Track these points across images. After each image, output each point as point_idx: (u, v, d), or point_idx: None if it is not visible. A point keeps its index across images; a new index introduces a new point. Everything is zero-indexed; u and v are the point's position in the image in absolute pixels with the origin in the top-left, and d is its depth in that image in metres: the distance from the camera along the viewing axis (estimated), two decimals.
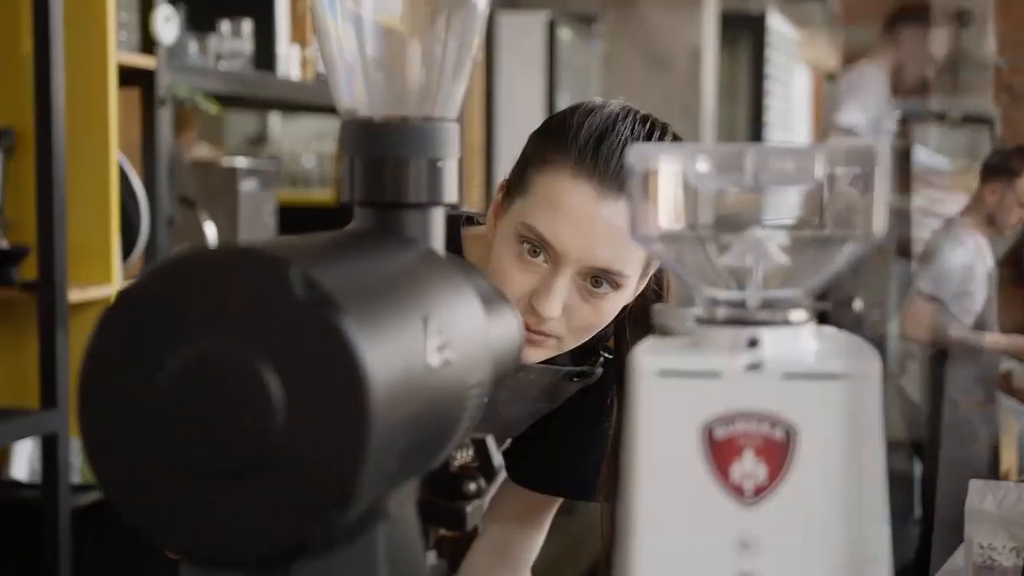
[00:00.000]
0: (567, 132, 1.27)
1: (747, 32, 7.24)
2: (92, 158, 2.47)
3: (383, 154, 0.81)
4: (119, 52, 2.54)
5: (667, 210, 0.72)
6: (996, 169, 4.25)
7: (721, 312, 0.71)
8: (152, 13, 2.62)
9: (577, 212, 1.24)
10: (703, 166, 0.71)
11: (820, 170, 0.69)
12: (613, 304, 1.29)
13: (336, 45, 0.83)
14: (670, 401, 0.69)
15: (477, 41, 0.85)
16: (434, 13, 0.84)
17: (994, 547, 1.91)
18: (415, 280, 0.73)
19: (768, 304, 0.71)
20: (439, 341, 0.70)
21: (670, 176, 0.71)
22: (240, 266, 0.63)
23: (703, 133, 5.65)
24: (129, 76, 2.61)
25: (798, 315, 0.71)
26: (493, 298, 0.88)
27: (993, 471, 4.12)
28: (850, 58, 9.83)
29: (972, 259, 4.24)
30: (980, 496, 1.95)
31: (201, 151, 3.86)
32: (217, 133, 4.38)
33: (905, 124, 4.67)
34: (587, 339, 1.32)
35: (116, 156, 2.49)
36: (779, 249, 0.72)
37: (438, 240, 0.83)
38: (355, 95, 0.83)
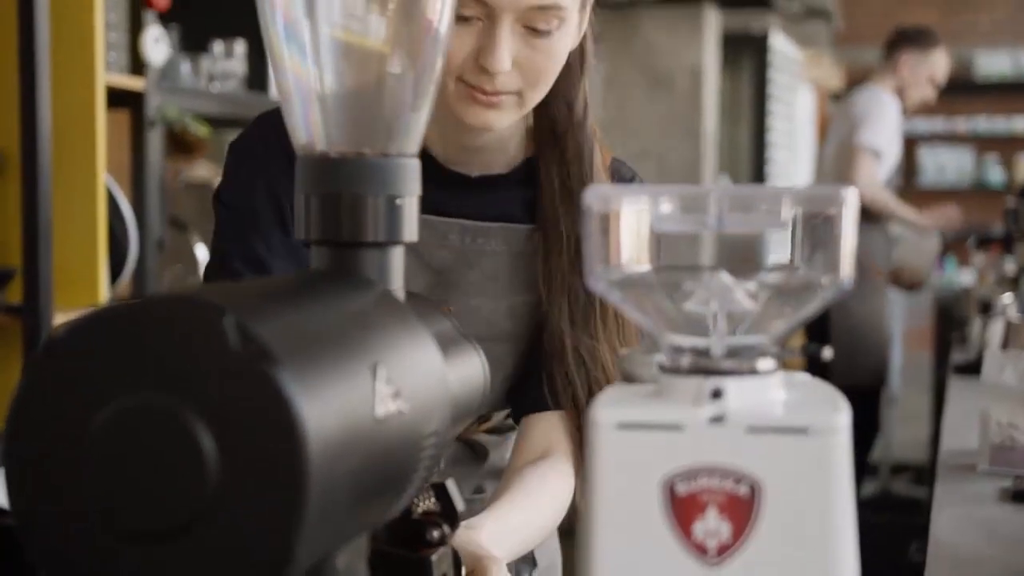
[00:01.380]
0: None
1: (750, 52, 7.22)
2: (79, 180, 2.44)
3: (339, 191, 0.78)
4: (108, 73, 2.51)
5: (627, 253, 0.69)
6: (909, 41, 4.45)
7: (685, 360, 0.68)
8: (142, 34, 2.59)
9: None
10: (666, 208, 0.68)
11: (786, 214, 0.66)
12: (561, 43, 1.25)
13: (292, 77, 0.80)
14: (630, 455, 0.66)
15: (437, 73, 0.83)
16: (392, 45, 0.81)
17: (1015, 424, 1.79)
18: (366, 326, 0.70)
19: (734, 352, 0.68)
20: (390, 390, 0.67)
21: (631, 218, 0.68)
22: (173, 315, 0.59)
23: (704, 153, 5.62)
24: (119, 97, 2.59)
25: (765, 364, 0.68)
26: (454, 339, 0.85)
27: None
28: (853, 78, 9.83)
29: (897, 121, 4.53)
30: (997, 367, 1.82)
31: (201, 171, 3.84)
32: (218, 151, 4.34)
33: None
34: (546, 89, 1.27)
35: (104, 178, 2.46)
36: (746, 294, 0.68)
37: (397, 280, 0.80)
38: (311, 129, 0.80)
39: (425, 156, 1.29)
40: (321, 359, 0.62)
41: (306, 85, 0.79)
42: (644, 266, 0.70)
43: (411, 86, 0.82)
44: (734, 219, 0.68)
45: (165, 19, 2.74)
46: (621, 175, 1.41)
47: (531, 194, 1.35)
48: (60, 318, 2.38)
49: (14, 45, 2.34)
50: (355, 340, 0.67)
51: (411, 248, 1.27)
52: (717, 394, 0.66)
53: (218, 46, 2.98)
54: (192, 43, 2.95)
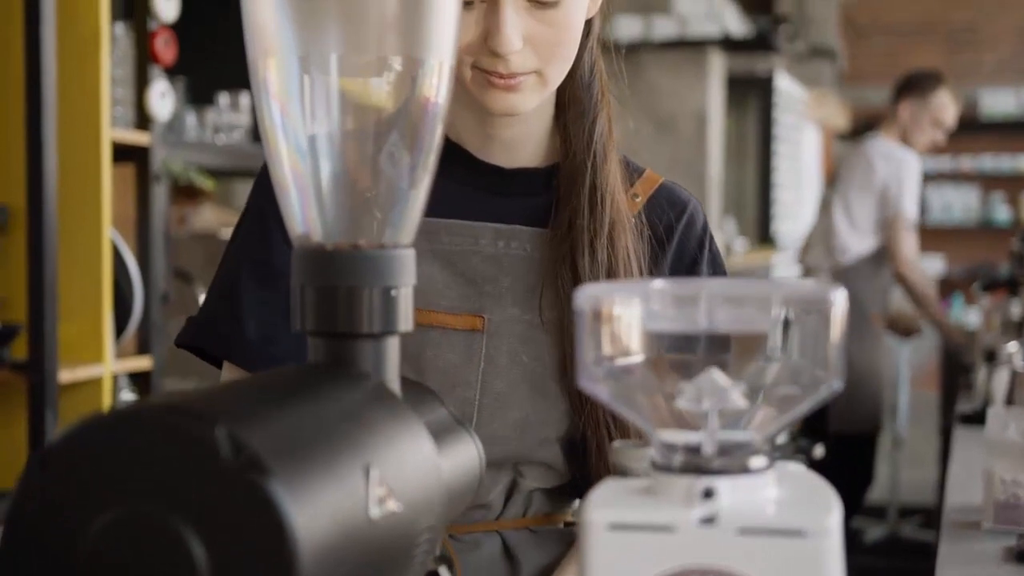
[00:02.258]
0: None
1: (755, 93, 7.24)
2: (85, 236, 2.45)
3: (335, 283, 0.79)
4: (114, 129, 2.53)
5: (619, 351, 0.70)
6: (909, 87, 4.48)
7: (676, 459, 0.68)
8: (148, 89, 2.61)
9: None
10: (656, 307, 0.68)
11: (775, 314, 0.67)
12: (573, 14, 1.18)
13: (288, 169, 0.81)
14: (622, 556, 0.66)
15: (432, 164, 0.83)
16: (389, 131, 0.81)
17: (1019, 482, 1.77)
18: (359, 424, 0.70)
19: (726, 449, 0.68)
20: (383, 491, 0.68)
21: (621, 316, 0.69)
22: (166, 425, 0.60)
23: (710, 195, 5.63)
24: (124, 152, 2.60)
25: (757, 462, 0.68)
26: (448, 426, 0.85)
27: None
28: (859, 117, 9.86)
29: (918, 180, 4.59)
30: (1001, 424, 1.80)
31: (207, 214, 3.86)
32: (225, 195, 4.36)
33: None
34: (567, 65, 1.20)
35: (109, 233, 2.48)
36: (738, 393, 0.69)
37: (392, 370, 0.80)
38: (308, 221, 0.81)
39: (458, 150, 1.30)
40: (313, 465, 0.62)
41: (302, 177, 0.80)
42: (636, 363, 0.70)
43: (407, 170, 0.83)
44: (724, 317, 0.68)
45: (171, 72, 2.76)
46: (673, 198, 1.33)
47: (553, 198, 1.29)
48: (65, 374, 2.39)
49: (21, 100, 2.35)
50: (348, 441, 0.67)
51: (444, 258, 1.26)
52: (709, 494, 0.66)
53: (224, 98, 3.00)
54: (198, 95, 2.97)
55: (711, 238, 1.33)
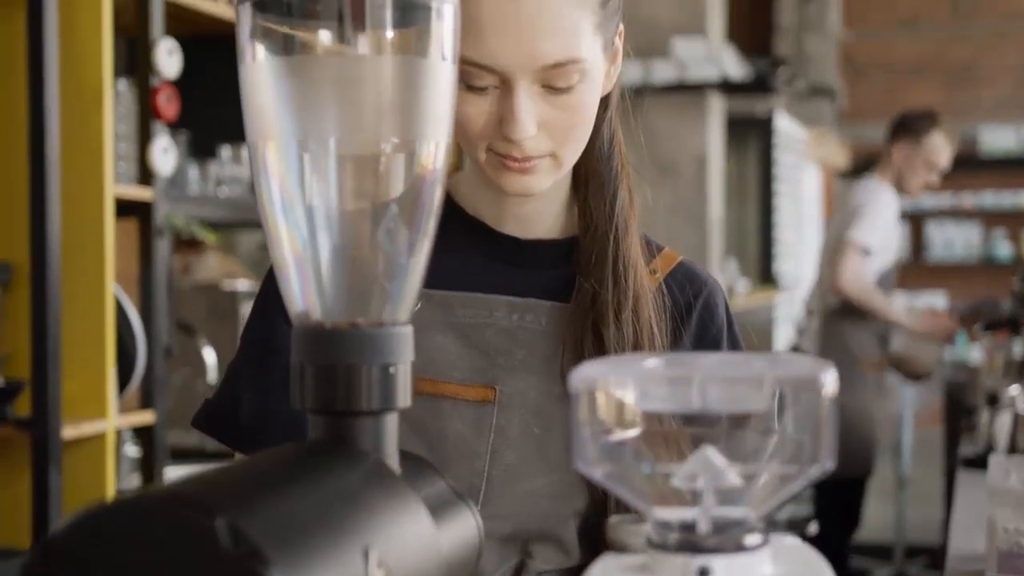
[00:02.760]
0: None
1: (755, 133, 7.28)
2: (88, 291, 2.47)
3: (334, 361, 0.80)
4: (117, 185, 2.55)
5: (613, 430, 0.70)
6: (902, 129, 4.49)
7: (671, 537, 0.69)
8: (150, 145, 2.63)
9: (497, 20, 1.11)
10: (650, 387, 0.69)
11: (767, 397, 0.68)
12: (587, 96, 1.16)
13: (288, 248, 0.82)
14: None
15: (429, 240, 0.84)
16: (385, 217, 0.83)
17: (1021, 531, 1.76)
18: (357, 506, 0.71)
19: (721, 527, 0.69)
20: (381, 573, 0.68)
21: (616, 396, 0.70)
22: (165, 515, 0.61)
23: (711, 237, 5.65)
24: (127, 207, 2.62)
25: (752, 539, 0.69)
26: (448, 499, 0.86)
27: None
28: (859, 155, 9.90)
29: (894, 218, 4.54)
30: (1003, 472, 1.79)
31: (213, 263, 3.87)
32: (229, 245, 4.39)
33: None
34: (582, 145, 1.19)
35: (112, 289, 2.49)
36: (733, 471, 0.70)
37: (391, 446, 0.81)
38: (307, 299, 0.82)
39: (475, 223, 1.30)
40: (312, 551, 0.63)
41: (301, 256, 0.81)
42: (630, 442, 0.71)
43: (405, 247, 0.84)
44: (717, 396, 0.69)
45: (173, 126, 2.78)
46: (692, 277, 1.31)
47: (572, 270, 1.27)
48: (69, 430, 2.39)
49: (25, 157, 2.37)
50: (346, 524, 0.68)
51: (458, 330, 1.26)
52: (704, 573, 0.67)
53: (226, 151, 3.02)
54: (200, 149, 2.99)
55: (731, 321, 1.31)
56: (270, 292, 1.27)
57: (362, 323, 0.81)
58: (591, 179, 1.27)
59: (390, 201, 0.82)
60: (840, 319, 4.49)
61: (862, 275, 4.37)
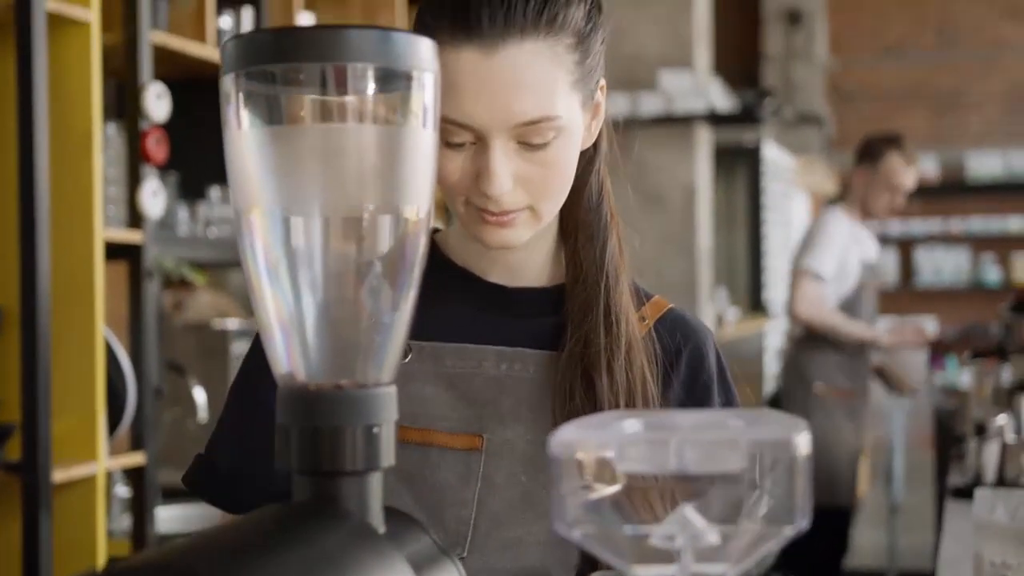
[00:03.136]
0: (432, 3, 1.17)
1: (743, 162, 7.32)
2: (78, 335, 2.48)
3: (319, 423, 0.81)
4: (106, 228, 2.56)
5: (592, 491, 0.72)
6: (862, 155, 4.50)
7: None
8: (140, 188, 2.65)
9: (472, 80, 1.12)
10: (629, 451, 0.71)
11: (742, 459, 0.69)
12: (564, 151, 1.17)
13: (273, 312, 0.83)
14: None
15: (411, 303, 0.86)
16: (368, 279, 0.84)
17: (1008, 564, 1.76)
18: (342, 568, 0.72)
19: None
20: None
21: (595, 459, 0.71)
22: None
23: (700, 267, 5.67)
24: (117, 250, 2.63)
25: None
26: (432, 555, 0.87)
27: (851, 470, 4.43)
28: (847, 181, 9.95)
29: (847, 242, 4.47)
30: (989, 506, 1.79)
31: (204, 300, 3.88)
32: (220, 283, 4.40)
33: None
34: (561, 198, 1.20)
35: (102, 332, 2.50)
36: (711, 529, 0.71)
37: (375, 505, 0.82)
38: (291, 361, 0.83)
39: (464, 274, 1.31)
40: None
41: (285, 320, 0.83)
42: (609, 503, 0.72)
43: (388, 307, 0.85)
44: (694, 458, 0.71)
45: (163, 168, 2.80)
46: (681, 324, 1.31)
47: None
48: (59, 474, 2.40)
49: (15, 201, 2.39)
50: None
51: (447, 380, 1.27)
52: None
53: (215, 192, 3.04)
54: (189, 190, 3.01)
55: (723, 367, 1.32)
56: (256, 354, 1.28)
57: (346, 384, 0.82)
58: (580, 230, 1.28)
59: (373, 262, 0.84)
60: (803, 348, 4.50)
61: (817, 300, 4.37)
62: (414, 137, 0.82)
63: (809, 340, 4.47)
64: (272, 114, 0.81)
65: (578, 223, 1.28)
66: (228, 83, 0.81)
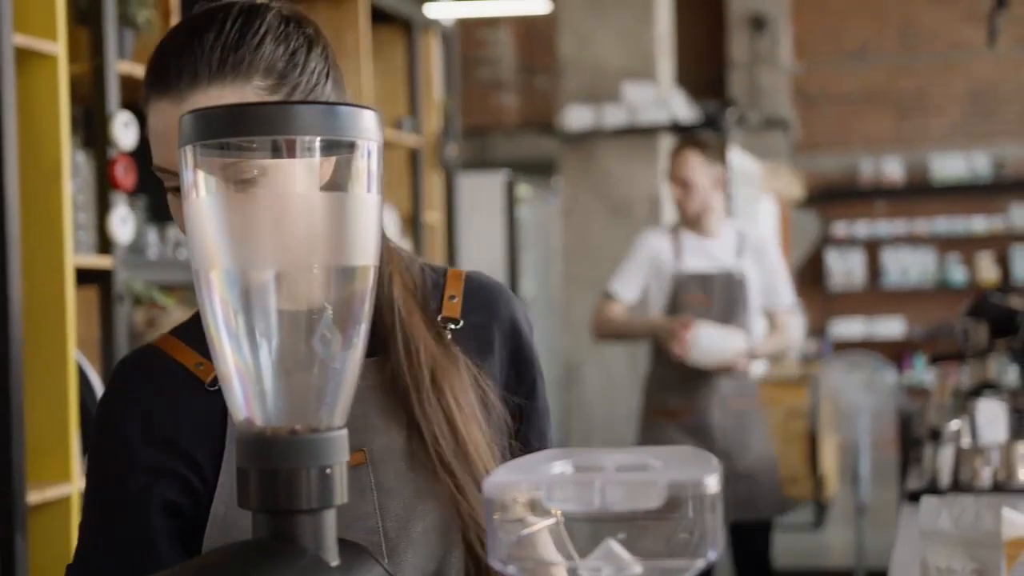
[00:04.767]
0: (147, 63, 1.25)
1: None
2: (50, 359, 2.53)
3: (276, 466, 0.88)
4: (77, 255, 2.62)
5: (523, 530, 0.79)
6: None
7: None
8: (109, 214, 2.71)
9: (168, 128, 1.20)
10: (556, 492, 0.78)
11: (659, 498, 0.76)
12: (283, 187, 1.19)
13: (231, 363, 0.90)
14: None
15: (360, 350, 0.92)
16: (319, 328, 0.91)
17: (953, 570, 1.83)
18: None
19: None
20: None
21: (525, 501, 0.78)
22: None
23: None
24: (87, 275, 2.69)
25: None
26: None
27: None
28: (814, 184, 10.06)
29: (641, 258, 4.24)
30: (934, 513, 1.86)
31: (176, 317, 3.92)
32: (191, 300, 4.44)
33: None
34: None
35: (74, 356, 2.56)
36: (634, 561, 0.78)
37: (330, 539, 0.89)
38: (249, 408, 0.90)
39: None
40: None
41: (243, 370, 0.90)
42: (539, 539, 0.79)
43: (339, 352, 0.92)
44: (616, 497, 0.78)
45: (131, 193, 2.85)
46: (483, 288, 1.38)
47: None
48: (33, 495, 2.45)
49: None
50: None
51: None
52: None
53: None
54: (158, 214, 3.07)
55: (531, 327, 1.40)
56: (111, 445, 1.27)
57: (300, 429, 0.89)
58: None
59: (324, 314, 0.91)
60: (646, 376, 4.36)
61: (600, 313, 4.19)
62: (359, 200, 0.89)
63: (650, 367, 4.28)
64: (227, 182, 0.88)
65: None
66: (186, 154, 0.87)
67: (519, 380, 1.38)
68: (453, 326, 1.33)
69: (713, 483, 0.77)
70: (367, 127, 0.89)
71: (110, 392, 1.31)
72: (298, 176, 0.88)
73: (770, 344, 4.30)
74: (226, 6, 1.24)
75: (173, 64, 1.21)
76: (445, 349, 1.31)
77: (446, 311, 1.34)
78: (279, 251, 0.88)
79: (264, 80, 1.22)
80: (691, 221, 4.18)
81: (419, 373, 1.29)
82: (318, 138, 0.87)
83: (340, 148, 0.89)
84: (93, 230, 2.71)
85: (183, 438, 1.27)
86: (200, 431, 1.27)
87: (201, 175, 0.88)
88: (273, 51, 1.23)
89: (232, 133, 0.87)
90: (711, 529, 0.77)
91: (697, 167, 4.11)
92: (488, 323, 1.36)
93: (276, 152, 0.88)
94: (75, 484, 2.57)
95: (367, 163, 0.89)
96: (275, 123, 0.86)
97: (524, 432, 1.37)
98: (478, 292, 1.37)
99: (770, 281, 4.20)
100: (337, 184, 0.89)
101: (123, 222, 2.71)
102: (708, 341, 4.02)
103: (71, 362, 2.54)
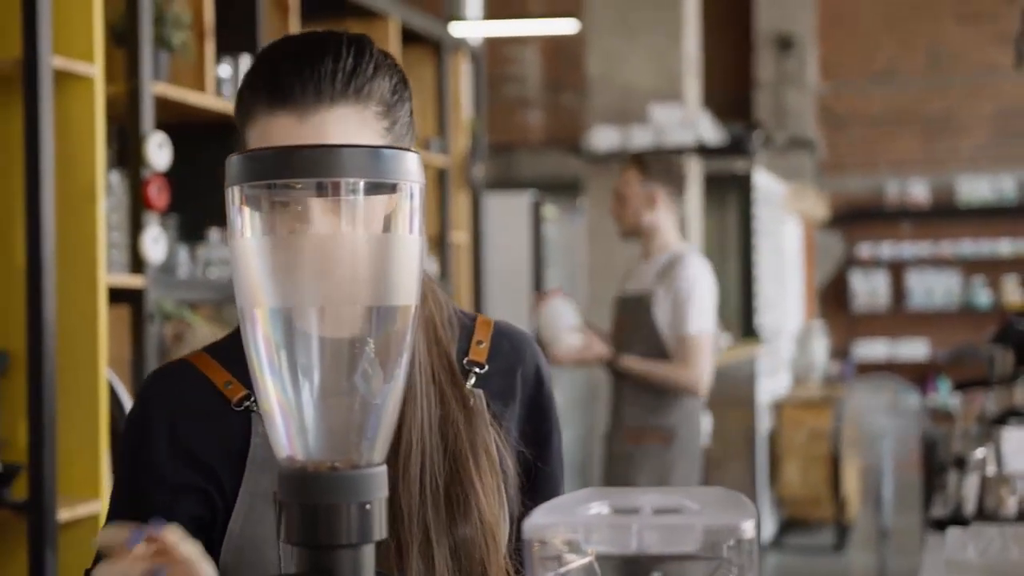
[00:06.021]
0: (252, 76, 1.25)
1: (734, 189, 7.40)
2: (82, 377, 2.56)
3: (316, 501, 0.89)
4: (109, 274, 2.64)
5: (561, 568, 0.80)
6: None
7: None
8: (142, 234, 2.74)
9: (287, 142, 1.20)
10: (594, 535, 0.79)
11: (696, 542, 0.78)
12: (374, 211, 1.20)
13: (275, 401, 0.92)
14: None
15: (400, 386, 0.94)
16: (360, 365, 0.93)
17: None
18: None
19: None
20: None
21: (564, 543, 0.80)
22: None
23: None
24: (119, 294, 2.72)
25: None
26: None
27: None
28: (838, 205, 10.04)
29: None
30: (960, 545, 1.87)
31: (204, 332, 3.95)
32: (219, 315, 4.47)
33: None
34: None
35: (105, 375, 2.58)
36: None
37: (368, 574, 0.91)
38: (292, 445, 0.92)
39: None
40: None
41: (286, 408, 0.91)
42: None
43: (380, 388, 0.94)
44: (653, 541, 0.79)
45: (164, 212, 2.88)
46: (510, 336, 1.39)
47: None
48: (64, 513, 2.48)
49: (22, 249, 2.47)
50: None
51: None
52: None
53: (214, 234, 3.13)
54: (190, 233, 3.10)
55: (550, 378, 1.40)
56: (133, 444, 1.29)
57: (341, 465, 0.91)
58: None
59: (365, 351, 0.92)
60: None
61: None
62: (402, 241, 0.91)
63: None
64: (272, 223, 0.90)
65: None
66: (232, 195, 0.89)
67: (535, 431, 1.38)
68: (478, 370, 1.34)
69: (750, 528, 0.78)
70: (410, 169, 0.90)
71: (140, 402, 1.33)
72: (341, 217, 0.90)
73: (648, 366, 3.99)
74: (334, 33, 1.26)
75: (296, 80, 1.21)
76: (461, 394, 1.31)
77: (472, 355, 1.35)
78: (321, 290, 0.90)
79: (378, 108, 1.25)
80: (625, 235, 4.17)
81: (404, 427, 1.27)
82: (362, 180, 0.88)
83: (383, 190, 0.90)
84: (126, 249, 2.74)
85: (206, 453, 1.28)
86: (223, 449, 1.28)
87: (247, 215, 0.90)
88: (382, 83, 1.25)
89: (279, 175, 0.88)
90: (748, 572, 0.78)
91: (631, 182, 4.08)
92: (512, 370, 1.37)
93: (321, 193, 0.90)
94: (105, 501, 2.60)
95: (410, 204, 0.90)
96: (321, 165, 0.88)
97: (531, 493, 1.35)
98: (505, 339, 1.39)
99: (675, 306, 3.98)
100: (380, 225, 0.91)
101: (155, 242, 2.73)
102: (548, 313, 3.99)
103: (103, 380, 2.57)
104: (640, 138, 5.46)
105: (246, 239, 0.89)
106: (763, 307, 7.67)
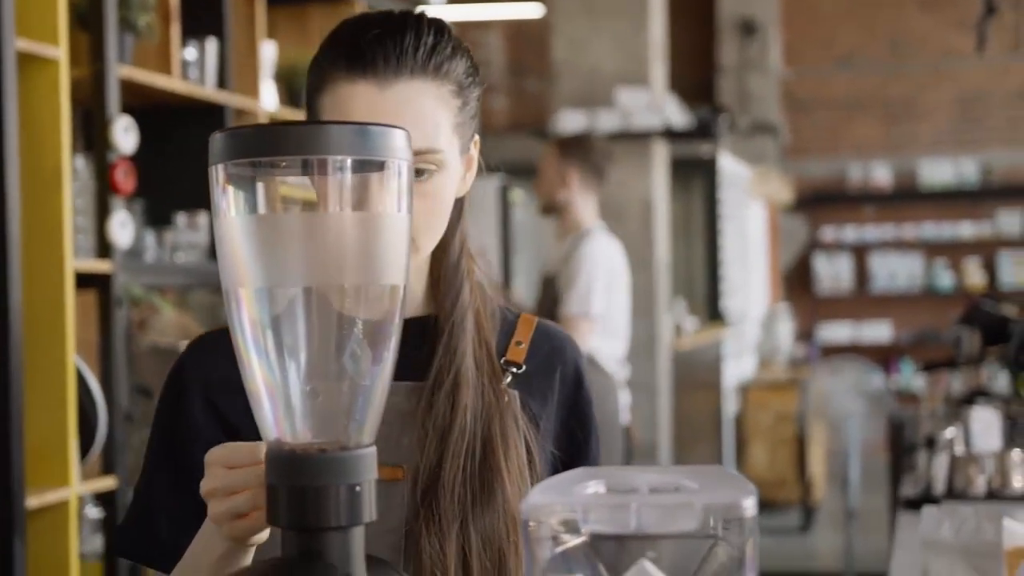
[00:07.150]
0: (331, 46, 1.26)
1: (699, 174, 7.42)
2: (50, 364, 2.52)
3: (305, 484, 0.88)
4: (76, 258, 2.61)
5: (559, 549, 0.79)
6: None
7: None
8: (108, 219, 2.70)
9: (366, 110, 1.21)
10: (592, 514, 0.78)
11: (695, 520, 0.77)
12: (444, 187, 1.25)
13: (261, 382, 0.90)
14: None
15: (390, 367, 0.93)
16: (348, 346, 0.91)
17: None
18: None
19: None
20: None
21: (561, 522, 0.79)
22: None
23: (657, 279, 5.76)
24: (86, 279, 2.69)
25: None
26: None
27: None
28: (803, 189, 10.08)
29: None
30: (936, 523, 1.87)
31: (169, 317, 3.91)
32: (184, 302, 4.43)
33: None
34: (438, 235, 1.27)
35: (73, 360, 2.55)
36: None
37: (358, 556, 0.90)
38: (279, 426, 0.90)
39: None
40: None
41: (273, 389, 0.90)
42: (574, 560, 0.80)
43: (368, 369, 0.92)
44: (652, 520, 0.78)
45: (130, 196, 2.85)
46: (551, 336, 1.39)
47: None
48: (32, 500, 2.45)
49: None
50: None
51: None
52: None
53: (181, 218, 3.10)
54: (156, 218, 3.06)
55: (584, 378, 1.40)
56: (170, 401, 1.30)
57: (329, 447, 0.90)
58: (441, 283, 1.33)
59: (353, 331, 0.91)
60: None
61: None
62: (390, 219, 0.89)
63: None
64: (256, 201, 0.88)
65: (441, 275, 1.34)
66: (216, 173, 0.87)
67: (572, 435, 1.37)
68: (515, 370, 1.33)
69: (750, 505, 0.77)
70: (397, 146, 0.89)
71: (177, 365, 1.32)
72: (328, 195, 0.88)
73: None
74: (414, 12, 1.27)
75: (379, 50, 1.22)
76: (497, 392, 1.30)
77: (510, 355, 1.34)
78: (307, 269, 0.89)
79: (453, 87, 1.26)
80: (543, 211, 4.25)
81: (458, 410, 1.26)
82: (349, 158, 0.87)
83: (370, 167, 0.89)
84: (92, 234, 2.71)
85: (235, 418, 1.25)
86: (252, 419, 1.26)
87: (230, 194, 0.88)
88: (459, 63, 1.26)
89: (264, 152, 0.87)
90: (748, 550, 0.77)
91: (548, 159, 4.18)
92: (551, 371, 1.36)
93: (306, 172, 0.89)
94: (73, 488, 2.57)
95: (398, 182, 0.89)
96: (306, 142, 0.86)
97: None
98: (546, 339, 1.37)
99: (566, 286, 4.05)
100: (366, 203, 0.89)
101: (122, 226, 2.70)
102: None
103: (71, 366, 2.54)
104: (606, 122, 5.45)
105: (230, 218, 0.88)
106: (728, 290, 7.70)
